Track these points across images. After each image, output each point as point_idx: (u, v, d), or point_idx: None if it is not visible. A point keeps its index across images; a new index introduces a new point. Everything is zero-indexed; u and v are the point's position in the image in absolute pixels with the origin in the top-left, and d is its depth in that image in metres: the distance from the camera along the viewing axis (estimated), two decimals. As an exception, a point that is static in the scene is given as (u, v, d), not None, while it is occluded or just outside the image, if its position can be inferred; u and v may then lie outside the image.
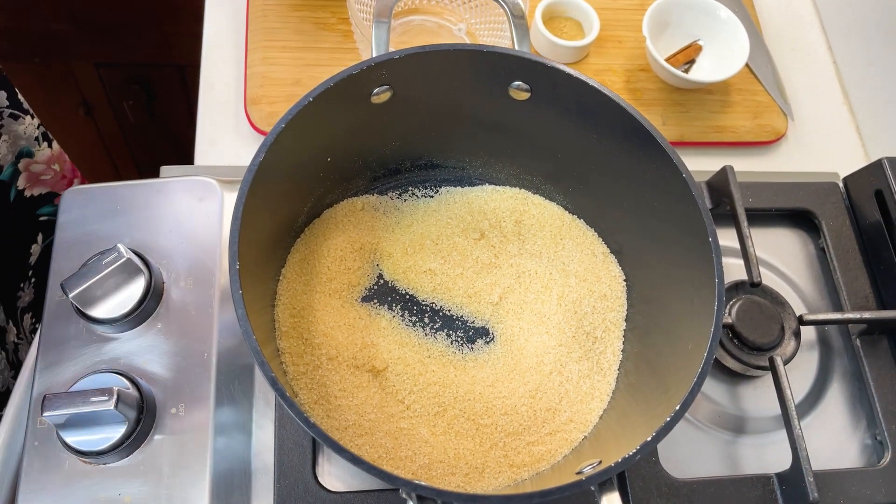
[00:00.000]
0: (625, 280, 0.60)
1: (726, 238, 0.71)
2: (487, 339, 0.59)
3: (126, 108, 1.17)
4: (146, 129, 1.22)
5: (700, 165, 0.73)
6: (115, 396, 0.53)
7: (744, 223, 0.67)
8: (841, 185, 0.76)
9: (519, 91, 0.55)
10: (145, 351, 0.60)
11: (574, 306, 0.58)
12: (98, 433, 0.55)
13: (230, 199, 0.66)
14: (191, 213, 0.65)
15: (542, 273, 0.60)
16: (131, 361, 0.59)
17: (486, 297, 0.59)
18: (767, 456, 0.64)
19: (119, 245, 0.58)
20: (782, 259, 0.73)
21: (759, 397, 0.66)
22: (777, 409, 0.64)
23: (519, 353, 0.58)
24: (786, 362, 0.63)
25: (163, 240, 0.64)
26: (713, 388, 0.66)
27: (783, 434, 0.64)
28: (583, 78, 0.52)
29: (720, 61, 0.78)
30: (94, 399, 0.53)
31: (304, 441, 0.58)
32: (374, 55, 0.51)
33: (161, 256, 0.63)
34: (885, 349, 0.68)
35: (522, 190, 0.64)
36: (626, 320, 0.59)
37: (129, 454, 0.56)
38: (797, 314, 0.66)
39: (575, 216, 0.62)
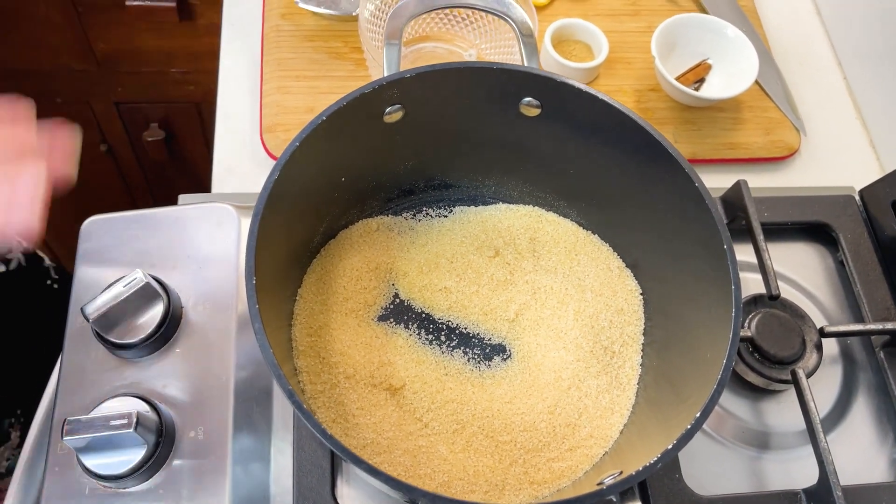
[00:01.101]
0: (641, 294, 0.60)
1: (743, 253, 0.70)
2: (504, 357, 0.59)
3: (145, 145, 1.19)
4: (165, 165, 1.24)
5: (713, 182, 0.73)
6: (135, 420, 0.53)
7: (759, 236, 0.66)
8: (857, 197, 0.75)
9: (530, 108, 0.56)
10: (164, 375, 0.60)
11: (591, 321, 0.58)
12: (118, 457, 0.55)
13: (247, 224, 0.67)
14: (208, 239, 0.66)
15: (557, 289, 0.60)
16: (150, 386, 0.60)
17: (502, 314, 0.59)
18: (793, 472, 0.63)
19: (138, 270, 0.59)
20: (800, 273, 0.73)
21: (782, 412, 0.65)
22: (802, 424, 0.63)
23: (536, 369, 0.57)
24: (808, 375, 0.62)
25: (181, 265, 0.64)
26: (735, 404, 0.65)
27: (809, 449, 0.63)
28: (592, 92, 0.53)
29: (729, 79, 0.79)
30: (113, 423, 0.54)
31: (322, 462, 0.57)
32: (385, 75, 0.52)
33: (179, 282, 0.63)
34: (910, 361, 0.67)
35: (536, 207, 0.64)
36: (643, 334, 0.59)
37: (149, 478, 0.56)
38: (818, 327, 0.65)
39: (589, 232, 0.62)
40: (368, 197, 0.61)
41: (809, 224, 0.73)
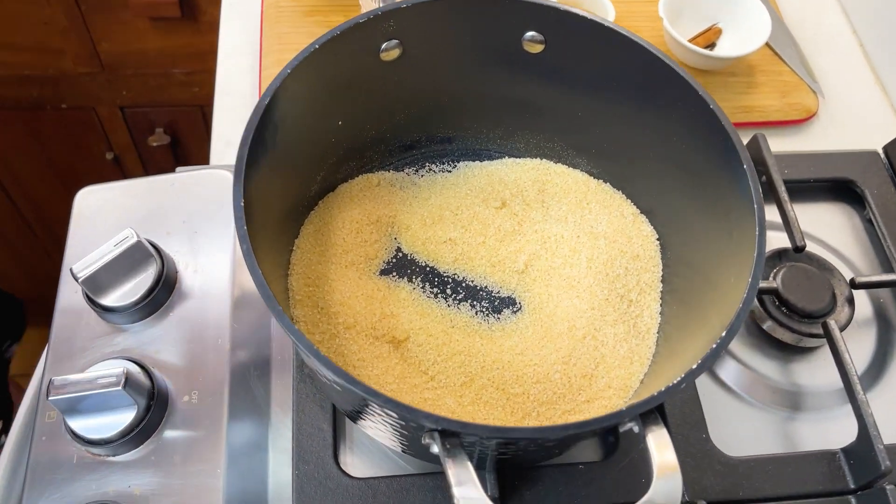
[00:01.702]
0: (658, 239, 0.56)
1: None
2: (514, 309, 0.56)
3: (151, 151, 1.18)
4: (171, 170, 1.22)
5: None
6: (124, 378, 0.51)
7: (780, 187, 0.63)
8: (881, 153, 0.72)
9: (533, 43, 0.54)
10: (157, 340, 0.57)
11: (605, 268, 0.55)
12: (106, 418, 0.52)
13: (245, 190, 0.64)
14: (204, 204, 0.64)
15: (568, 237, 0.56)
16: (143, 351, 0.57)
17: (510, 265, 0.56)
18: (829, 433, 0.58)
19: (129, 228, 0.57)
20: (826, 232, 0.69)
21: (815, 371, 0.61)
22: (836, 383, 0.59)
23: (549, 319, 0.54)
24: (841, 329, 0.58)
25: (175, 231, 0.62)
26: (765, 364, 0.61)
27: (845, 409, 0.59)
28: (597, 20, 0.51)
29: (741, 43, 0.76)
30: (101, 381, 0.51)
31: (323, 425, 0.54)
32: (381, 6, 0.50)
33: (174, 247, 0.61)
34: (949, 315, 0.63)
35: (544, 160, 0.61)
36: (662, 282, 0.55)
37: (139, 444, 0.53)
38: (848, 279, 0.61)
39: (601, 181, 0.59)
40: (368, 149, 0.58)
41: (833, 181, 0.70)
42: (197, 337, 0.57)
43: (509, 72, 0.56)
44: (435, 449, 0.38)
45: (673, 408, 0.57)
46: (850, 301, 0.61)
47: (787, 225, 0.62)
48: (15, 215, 1.29)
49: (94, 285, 0.56)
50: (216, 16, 1.03)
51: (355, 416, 0.48)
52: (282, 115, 0.47)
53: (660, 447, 0.38)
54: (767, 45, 0.80)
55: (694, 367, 0.39)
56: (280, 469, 0.54)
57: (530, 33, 0.53)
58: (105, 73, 1.10)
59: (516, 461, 0.51)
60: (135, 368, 0.54)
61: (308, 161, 0.53)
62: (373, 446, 0.55)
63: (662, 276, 0.55)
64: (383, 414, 0.39)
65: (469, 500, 0.35)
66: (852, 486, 0.54)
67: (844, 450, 0.56)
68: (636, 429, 0.39)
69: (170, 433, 0.54)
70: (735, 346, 0.61)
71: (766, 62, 0.79)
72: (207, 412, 0.54)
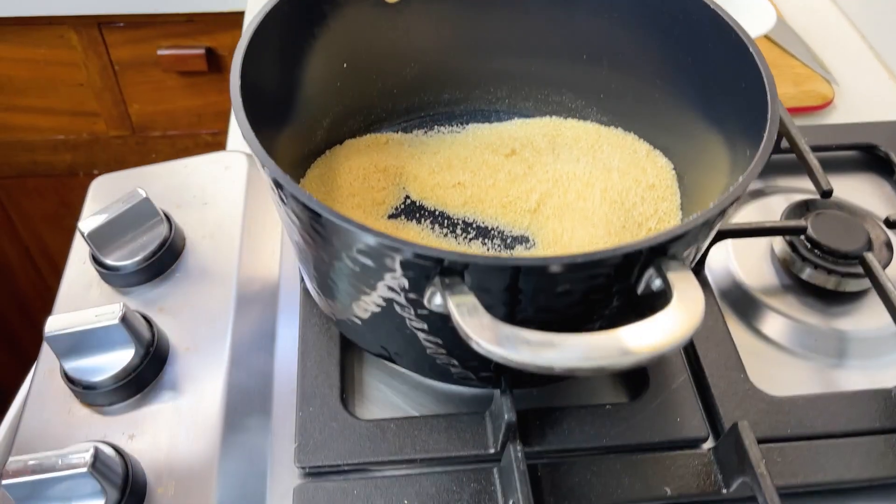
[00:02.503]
0: (674, 169, 0.54)
1: (788, 179, 0.66)
2: (528, 246, 0.53)
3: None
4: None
5: None
6: (122, 312, 0.49)
7: (800, 140, 0.61)
8: (904, 121, 0.70)
9: (533, -17, 0.55)
10: (160, 299, 0.56)
11: (620, 198, 0.53)
12: (105, 358, 0.49)
13: (257, 172, 0.64)
14: (216, 181, 0.64)
15: (581, 174, 0.55)
16: (146, 310, 0.55)
17: (522, 204, 0.54)
18: (881, 377, 0.53)
19: (138, 189, 0.57)
20: (857, 197, 0.66)
21: (860, 317, 0.56)
22: (884, 329, 0.55)
23: (564, 250, 0.51)
24: (883, 267, 0.55)
25: (185, 204, 0.62)
26: (806, 313, 0.56)
27: (895, 355, 0.54)
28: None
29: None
30: (98, 314, 0.49)
31: (330, 368, 0.51)
32: (381, -56, 0.52)
33: (183, 218, 0.61)
34: None
35: (554, 117, 0.61)
36: (681, 210, 0.53)
37: (136, 394, 0.50)
38: (882, 219, 0.58)
39: (612, 127, 0.58)
40: (375, 105, 0.59)
41: (858, 146, 0.68)
42: (200, 300, 0.56)
43: (512, 15, 0.56)
44: (438, 300, 0.35)
45: (707, 351, 0.53)
46: (889, 245, 0.57)
47: (811, 172, 0.59)
48: (41, 287, 1.31)
49: (100, 241, 0.55)
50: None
51: (348, 291, 0.44)
52: (284, 34, 0.48)
53: (682, 282, 0.34)
54: (776, 43, 0.81)
55: (724, 198, 0.36)
56: (284, 409, 0.50)
57: (529, -29, 0.54)
58: (135, 136, 1.14)
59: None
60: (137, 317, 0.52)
61: (312, 99, 0.53)
62: (384, 393, 0.52)
63: (681, 204, 0.53)
64: (379, 263, 0.36)
65: (480, 327, 0.32)
66: (915, 422, 0.49)
67: (901, 386, 0.51)
68: (657, 282, 0.36)
69: (168, 379, 0.51)
70: (772, 296, 0.57)
71: (776, 56, 0.80)
72: (206, 360, 0.52)
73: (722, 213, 0.37)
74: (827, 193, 0.58)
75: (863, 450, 0.48)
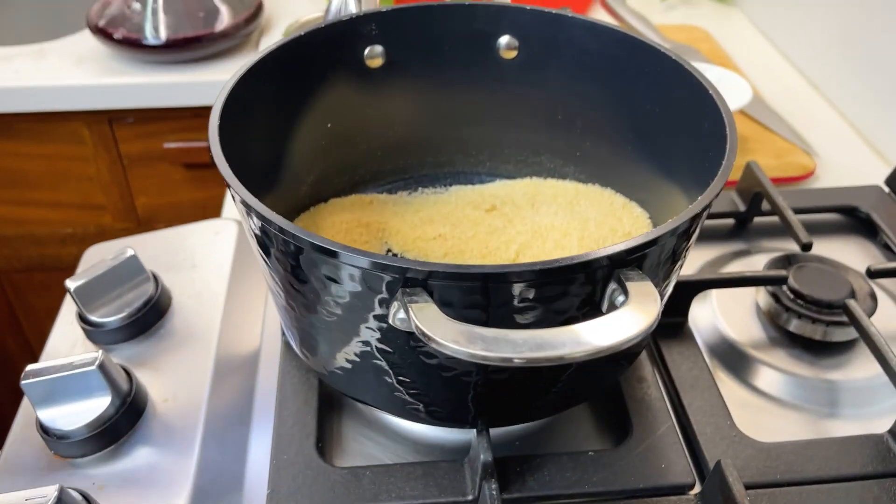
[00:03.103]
0: (650, 218, 0.55)
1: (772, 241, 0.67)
2: (508, 294, 0.53)
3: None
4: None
5: (729, 206, 0.69)
6: (100, 359, 0.49)
7: (778, 198, 0.63)
8: (884, 186, 0.71)
9: (509, 50, 0.58)
10: (143, 355, 0.56)
11: (597, 245, 0.53)
12: (80, 406, 0.49)
13: (246, 238, 0.66)
14: (206, 245, 0.65)
15: (559, 225, 0.56)
16: (128, 364, 0.55)
17: (502, 254, 0.55)
18: (873, 426, 0.52)
19: (128, 248, 0.58)
20: (839, 258, 0.66)
21: (850, 367, 0.55)
22: (873, 378, 0.54)
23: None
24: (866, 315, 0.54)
25: (174, 267, 0.63)
26: (795, 364, 0.55)
27: (887, 404, 0.53)
28: (561, 13, 0.55)
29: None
30: (75, 361, 0.49)
31: (307, 418, 0.50)
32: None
33: (170, 279, 0.61)
34: None
35: (535, 178, 0.62)
36: (658, 256, 0.53)
37: (109, 446, 0.50)
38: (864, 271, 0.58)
39: (589, 184, 0.60)
40: (360, 165, 0.61)
41: (839, 209, 0.69)
42: (182, 357, 0.56)
43: (490, 83, 0.59)
44: (402, 314, 0.35)
45: (692, 399, 0.52)
46: (873, 296, 0.57)
47: (790, 226, 0.60)
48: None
49: (86, 298, 0.56)
50: (245, 164, 1.13)
51: (330, 340, 0.44)
52: (267, 90, 0.50)
53: (641, 288, 0.34)
54: (756, 120, 0.84)
55: (691, 208, 0.37)
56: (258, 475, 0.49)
57: (504, 39, 0.57)
58: (140, 228, 1.17)
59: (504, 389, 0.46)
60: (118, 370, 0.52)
61: (297, 155, 0.55)
62: (362, 444, 0.51)
63: (658, 251, 0.54)
64: (336, 281, 0.37)
65: (437, 325, 0.32)
66: (909, 467, 0.47)
67: (891, 431, 0.49)
68: (620, 298, 0.36)
69: (142, 434, 0.50)
70: (761, 350, 0.56)
71: (757, 132, 0.82)
72: (185, 416, 0.51)
73: (676, 231, 0.37)
74: (807, 246, 0.59)
75: (855, 494, 0.46)
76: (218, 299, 0.60)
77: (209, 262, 0.63)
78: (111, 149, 1.08)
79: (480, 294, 0.35)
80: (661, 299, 0.44)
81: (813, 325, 0.55)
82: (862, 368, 0.55)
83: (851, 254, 0.66)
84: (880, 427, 0.51)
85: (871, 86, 0.84)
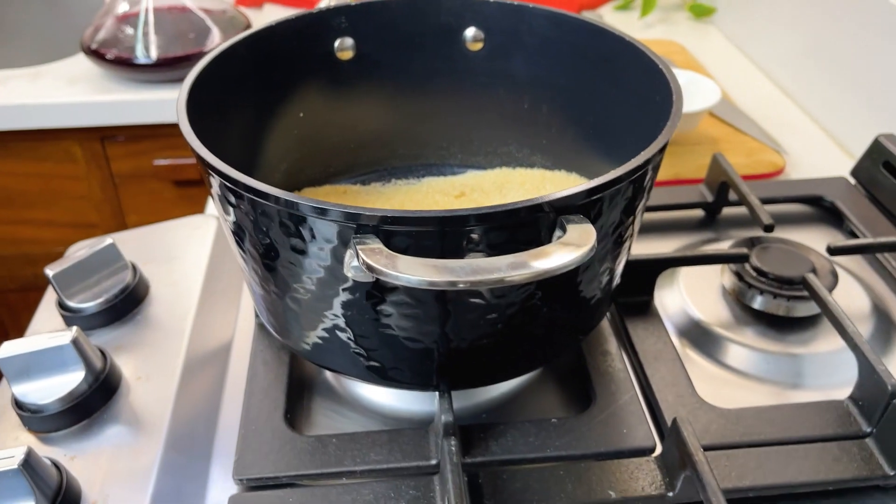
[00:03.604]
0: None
1: (739, 231, 0.68)
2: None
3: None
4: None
5: (699, 198, 0.71)
6: (74, 335, 0.50)
7: (743, 185, 0.64)
8: (850, 178, 0.73)
9: (475, 42, 0.60)
10: (120, 339, 0.57)
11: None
12: (54, 380, 0.50)
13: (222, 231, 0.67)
14: (186, 239, 0.67)
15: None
16: (104, 347, 0.56)
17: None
18: (833, 395, 0.52)
19: (106, 237, 0.60)
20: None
21: (815, 342, 0.56)
22: (839, 351, 0.55)
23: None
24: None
25: (151, 259, 0.64)
26: (761, 341, 0.56)
27: (850, 374, 0.54)
28: (525, 4, 0.57)
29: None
30: (51, 336, 0.50)
31: (276, 393, 0.51)
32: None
33: (152, 269, 0.63)
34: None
35: (504, 168, 0.64)
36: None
37: (82, 420, 0.50)
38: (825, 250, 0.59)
39: (556, 170, 0.62)
40: (333, 157, 0.62)
41: (805, 199, 0.70)
42: (156, 343, 0.57)
43: (459, 75, 0.61)
44: (354, 262, 0.37)
45: (655, 371, 0.53)
46: (834, 273, 0.58)
47: (752, 210, 0.62)
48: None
49: (65, 284, 0.57)
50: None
51: (302, 312, 0.45)
52: (239, 76, 0.52)
53: (580, 225, 0.35)
54: (727, 122, 0.86)
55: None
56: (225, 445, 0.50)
57: (470, 32, 0.60)
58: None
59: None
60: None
61: (269, 142, 0.57)
62: (331, 418, 0.52)
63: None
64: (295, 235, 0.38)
65: (385, 259, 0.33)
66: (867, 430, 0.48)
67: (851, 396, 0.50)
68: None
69: (115, 411, 0.51)
70: (727, 328, 0.57)
71: (728, 133, 0.84)
72: (157, 393, 0.52)
73: (619, 181, 0.38)
74: (769, 228, 0.60)
75: (814, 455, 0.47)
76: (194, 288, 0.61)
77: (188, 254, 0.65)
78: (103, 167, 1.11)
79: (432, 239, 0.37)
80: (616, 265, 0.46)
81: (776, 300, 0.57)
82: (825, 342, 0.56)
83: (816, 240, 0.68)
84: (841, 396, 0.52)
85: (839, 89, 0.86)
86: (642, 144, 0.52)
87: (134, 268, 0.61)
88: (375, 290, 0.39)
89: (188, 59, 1.03)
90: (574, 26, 0.56)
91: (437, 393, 0.47)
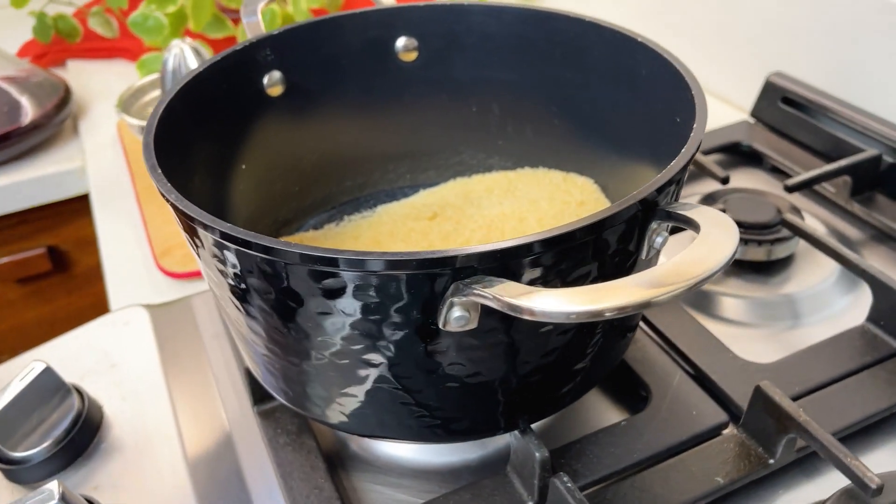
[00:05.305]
0: (595, 183, 0.55)
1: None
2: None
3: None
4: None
5: None
6: (59, 490, 0.40)
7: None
8: (750, 119, 0.77)
9: (407, 52, 0.55)
10: (90, 480, 0.47)
11: (556, 221, 0.52)
12: None
13: (162, 320, 0.58)
14: (118, 340, 0.57)
15: (510, 212, 0.54)
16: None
17: (463, 253, 0.52)
18: (839, 325, 0.54)
19: (35, 361, 0.49)
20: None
21: (800, 277, 0.58)
22: (824, 280, 0.57)
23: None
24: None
25: (92, 372, 0.54)
26: (751, 289, 0.57)
27: (843, 301, 0.56)
28: (458, 2, 0.54)
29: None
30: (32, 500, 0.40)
31: (319, 482, 0.44)
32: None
33: (94, 385, 0.53)
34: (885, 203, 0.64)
35: (459, 179, 0.60)
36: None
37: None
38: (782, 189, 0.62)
39: (518, 169, 0.59)
40: (279, 204, 0.55)
41: (725, 148, 0.73)
42: (145, 468, 0.47)
43: (395, 89, 0.56)
44: (458, 312, 0.32)
45: (688, 344, 0.52)
46: (796, 209, 0.61)
47: (704, 168, 0.63)
48: None
49: (2, 431, 0.46)
50: (90, 262, 1.01)
51: (340, 369, 0.39)
52: (179, 139, 0.44)
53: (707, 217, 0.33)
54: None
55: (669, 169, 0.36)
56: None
57: (401, 42, 0.55)
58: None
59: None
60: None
61: (223, 203, 0.49)
62: (383, 493, 0.46)
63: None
64: (381, 297, 0.33)
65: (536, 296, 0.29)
66: (898, 345, 0.50)
67: (869, 318, 0.52)
68: (658, 240, 0.35)
69: None
70: (717, 283, 0.58)
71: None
72: (174, 525, 0.43)
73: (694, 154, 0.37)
74: (725, 180, 0.62)
75: (869, 383, 0.48)
76: (159, 392, 0.52)
77: (130, 356, 0.55)
78: (-74, 283, 0.93)
79: (542, 266, 0.33)
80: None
81: (759, 247, 0.58)
82: (811, 275, 0.58)
83: (752, 183, 0.71)
84: (847, 323, 0.54)
85: (698, 44, 0.91)
86: (615, 123, 0.52)
87: (78, 390, 0.50)
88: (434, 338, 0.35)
89: (7, 139, 0.88)
90: (516, 16, 0.53)
91: (514, 433, 0.42)
